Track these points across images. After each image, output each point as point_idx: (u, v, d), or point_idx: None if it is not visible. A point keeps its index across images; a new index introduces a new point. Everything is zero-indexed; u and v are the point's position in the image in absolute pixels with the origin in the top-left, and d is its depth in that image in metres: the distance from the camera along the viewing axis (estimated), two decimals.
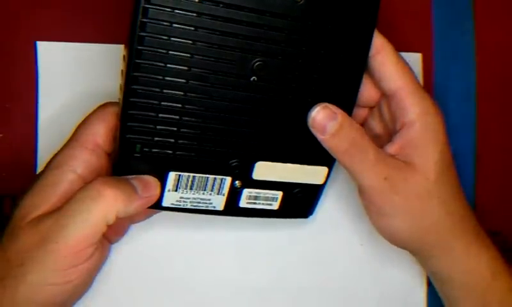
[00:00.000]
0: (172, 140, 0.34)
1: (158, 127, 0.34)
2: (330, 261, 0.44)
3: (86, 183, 0.33)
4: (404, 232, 0.37)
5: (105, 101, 0.36)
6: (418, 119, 0.35)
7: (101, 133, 0.35)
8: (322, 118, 0.35)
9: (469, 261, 0.37)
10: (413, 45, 0.45)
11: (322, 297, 0.44)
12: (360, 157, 0.35)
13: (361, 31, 0.35)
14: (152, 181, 0.35)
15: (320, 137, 0.35)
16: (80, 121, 0.35)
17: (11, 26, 0.40)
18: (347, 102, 0.36)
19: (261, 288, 0.43)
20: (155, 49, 0.32)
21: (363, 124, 0.40)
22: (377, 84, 0.37)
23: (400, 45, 0.44)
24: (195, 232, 0.42)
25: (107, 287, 0.40)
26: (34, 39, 0.40)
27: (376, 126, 0.39)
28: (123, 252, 0.40)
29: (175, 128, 0.34)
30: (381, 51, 0.35)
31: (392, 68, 0.35)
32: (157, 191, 0.35)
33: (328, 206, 0.44)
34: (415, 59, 0.45)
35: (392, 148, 0.36)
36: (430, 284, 0.45)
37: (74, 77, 0.41)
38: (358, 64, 0.35)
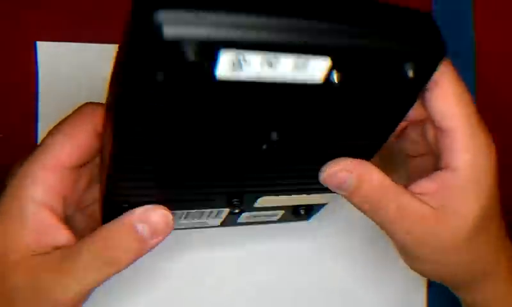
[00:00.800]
0: (164, 196, 0.31)
1: (148, 186, 0.30)
2: (330, 262, 0.44)
3: (50, 207, 0.31)
4: (437, 276, 0.35)
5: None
6: (465, 168, 0.31)
7: (67, 152, 0.31)
8: (337, 178, 0.31)
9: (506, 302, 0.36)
10: None
11: (322, 298, 0.44)
12: (381, 213, 0.32)
13: (395, 111, 0.30)
14: (161, 224, 0.30)
15: (337, 192, 0.32)
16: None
17: (11, 26, 0.40)
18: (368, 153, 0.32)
19: (260, 289, 0.43)
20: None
21: (400, 132, 0.36)
22: (426, 109, 0.32)
23: None
24: (194, 233, 0.42)
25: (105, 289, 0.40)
26: (34, 39, 0.40)
27: (416, 137, 0.35)
28: None
29: (167, 187, 0.31)
30: (439, 84, 0.30)
31: (447, 105, 0.31)
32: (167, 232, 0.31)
33: (328, 207, 0.44)
34: None
35: (428, 186, 0.32)
36: (430, 286, 0.45)
37: (74, 77, 0.41)
38: (384, 134, 0.31)
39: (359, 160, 0.32)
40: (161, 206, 0.30)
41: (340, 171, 0.31)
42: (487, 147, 0.32)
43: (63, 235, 0.31)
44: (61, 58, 0.40)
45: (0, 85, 0.40)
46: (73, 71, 0.41)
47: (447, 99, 0.31)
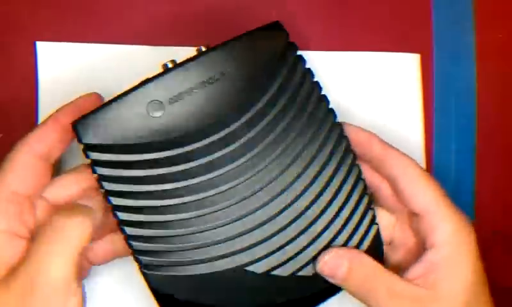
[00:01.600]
0: None
1: None
2: None
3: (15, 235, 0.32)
4: None
5: (104, 101, 0.35)
6: (449, 240, 0.33)
7: (33, 185, 0.33)
8: (330, 267, 0.34)
9: None
10: (412, 45, 0.45)
11: None
12: (372, 294, 0.34)
13: None
14: None
15: (331, 281, 0.34)
16: None
17: (11, 26, 0.40)
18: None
19: None
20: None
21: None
22: (401, 200, 0.36)
23: (399, 45, 0.45)
24: None
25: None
26: (34, 39, 0.40)
27: (402, 235, 0.37)
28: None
29: None
30: (406, 173, 0.35)
31: (417, 189, 0.34)
32: None
33: None
34: (414, 59, 0.45)
35: (416, 271, 0.34)
36: None
37: (74, 77, 0.41)
38: None
39: (349, 247, 0.34)
40: None
41: (333, 253, 0.34)
42: (463, 224, 0.34)
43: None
44: (61, 58, 0.40)
45: (0, 85, 0.40)
46: (73, 71, 0.41)
47: (416, 183, 0.34)
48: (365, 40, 0.44)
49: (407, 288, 0.33)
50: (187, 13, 0.42)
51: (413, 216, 0.36)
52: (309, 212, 0.34)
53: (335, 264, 0.34)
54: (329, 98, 0.36)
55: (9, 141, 0.40)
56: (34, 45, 0.40)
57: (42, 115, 0.40)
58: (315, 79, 0.35)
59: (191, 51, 0.42)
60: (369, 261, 0.34)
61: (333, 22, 0.44)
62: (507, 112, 0.47)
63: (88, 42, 0.41)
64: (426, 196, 0.34)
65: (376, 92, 0.44)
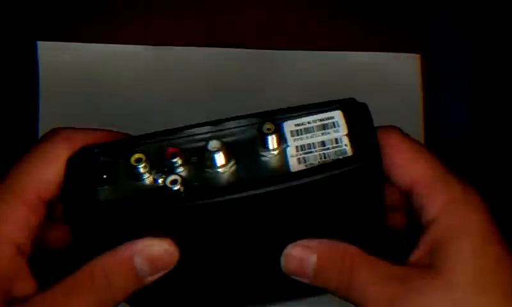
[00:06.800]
0: None
1: None
2: None
3: (23, 250, 0.26)
4: None
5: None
6: (443, 214, 0.27)
7: (46, 179, 0.27)
8: (296, 262, 0.28)
9: None
10: (412, 45, 0.45)
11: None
12: (352, 286, 0.27)
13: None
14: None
15: (302, 280, 0.28)
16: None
17: (11, 26, 0.40)
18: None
19: None
20: None
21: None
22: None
23: (399, 45, 0.45)
24: None
25: None
26: (34, 39, 0.40)
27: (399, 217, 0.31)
28: None
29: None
30: (389, 147, 0.28)
31: (404, 163, 0.28)
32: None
33: None
34: (414, 59, 0.45)
35: (415, 256, 0.27)
36: None
37: (74, 77, 0.41)
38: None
39: (321, 239, 0.28)
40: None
41: (297, 246, 0.28)
42: (462, 191, 0.28)
43: (27, 284, 0.27)
44: (61, 58, 0.41)
45: (0, 85, 0.40)
46: (73, 71, 0.41)
47: (401, 158, 0.28)
48: (365, 40, 0.44)
49: (397, 269, 0.27)
50: (189, 12, 0.42)
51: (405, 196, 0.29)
52: None
53: (300, 259, 0.28)
54: (330, 99, 0.35)
55: (9, 141, 0.40)
56: (35, 45, 0.40)
57: (42, 115, 0.40)
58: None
59: (193, 51, 0.42)
60: (344, 248, 0.28)
61: (333, 22, 0.44)
62: (506, 113, 0.47)
63: (88, 42, 0.41)
64: (411, 168, 0.28)
65: (376, 92, 0.44)
